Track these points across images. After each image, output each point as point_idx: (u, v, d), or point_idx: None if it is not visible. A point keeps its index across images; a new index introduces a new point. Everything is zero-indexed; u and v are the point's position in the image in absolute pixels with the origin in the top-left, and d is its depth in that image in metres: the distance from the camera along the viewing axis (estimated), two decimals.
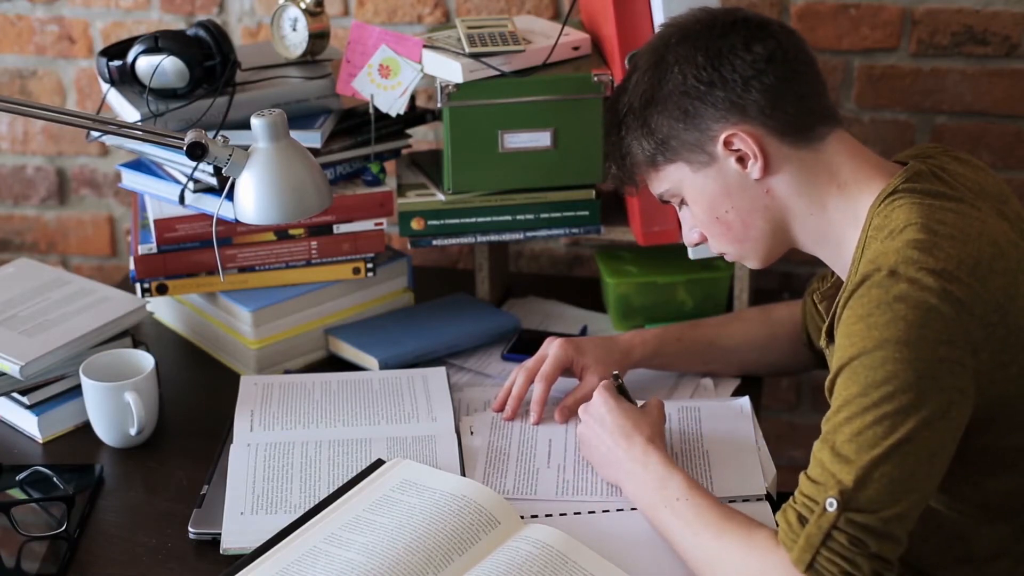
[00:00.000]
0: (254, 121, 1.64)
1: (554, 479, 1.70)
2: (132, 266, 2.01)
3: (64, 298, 1.96)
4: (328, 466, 1.72)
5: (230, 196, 1.68)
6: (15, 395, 1.85)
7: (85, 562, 1.61)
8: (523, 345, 2.02)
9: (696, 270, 2.06)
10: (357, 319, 2.08)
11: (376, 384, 1.91)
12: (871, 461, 1.37)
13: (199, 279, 2.02)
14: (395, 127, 2.06)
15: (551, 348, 1.84)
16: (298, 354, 2.04)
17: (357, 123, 2.04)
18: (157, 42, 1.92)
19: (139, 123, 1.91)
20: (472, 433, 1.79)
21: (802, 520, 1.40)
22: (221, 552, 1.59)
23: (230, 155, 1.64)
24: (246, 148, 1.66)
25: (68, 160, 2.61)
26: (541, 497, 1.66)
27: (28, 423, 1.85)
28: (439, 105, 1.92)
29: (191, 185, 1.93)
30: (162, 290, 2.01)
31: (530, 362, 1.85)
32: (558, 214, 2.01)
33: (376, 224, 2.04)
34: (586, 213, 2.01)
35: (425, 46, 1.93)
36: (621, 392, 1.73)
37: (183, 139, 1.62)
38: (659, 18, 1.84)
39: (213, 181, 1.92)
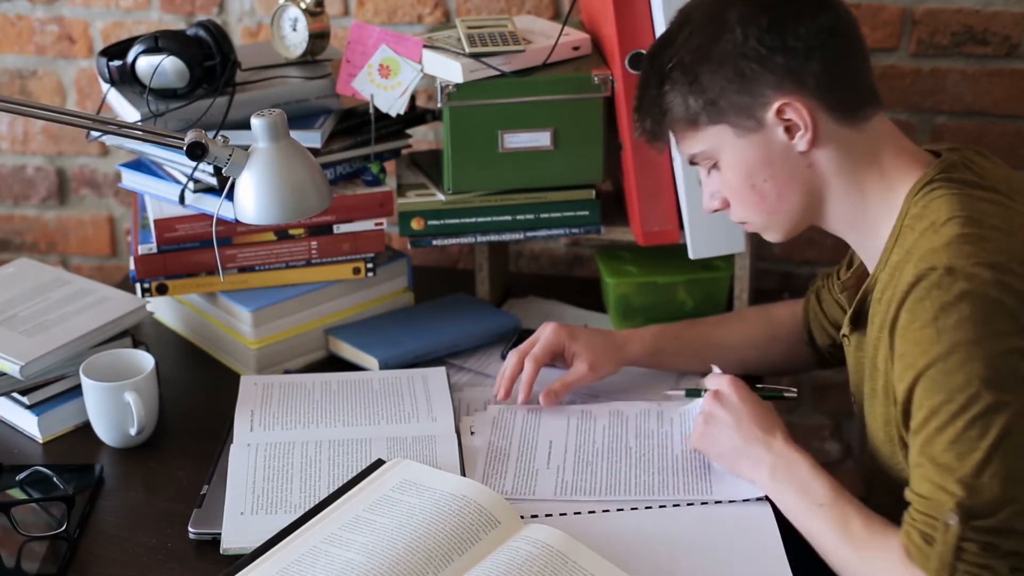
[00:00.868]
0: (254, 121, 1.64)
1: (553, 480, 1.70)
2: (132, 266, 2.01)
3: (64, 298, 1.96)
4: (328, 466, 1.72)
5: (230, 196, 1.68)
6: (15, 395, 1.85)
7: (85, 562, 1.61)
8: None
9: (696, 270, 2.06)
10: (357, 319, 2.08)
11: (376, 384, 1.91)
12: (975, 467, 1.39)
13: (199, 279, 2.02)
14: (395, 127, 2.06)
15: (544, 332, 1.85)
16: (298, 354, 2.04)
17: (357, 123, 2.04)
18: (157, 42, 1.92)
19: (139, 123, 1.91)
20: (472, 433, 1.79)
21: (927, 539, 1.42)
22: (221, 552, 1.59)
23: (230, 155, 1.64)
24: (246, 148, 1.66)
25: (68, 160, 2.61)
26: (540, 497, 1.66)
27: (28, 423, 1.85)
28: (439, 105, 1.92)
29: (191, 185, 1.93)
30: (162, 290, 2.01)
31: (523, 345, 1.86)
32: (558, 214, 2.01)
33: (376, 224, 2.04)
34: (586, 213, 2.01)
35: (425, 46, 1.94)
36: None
37: (183, 139, 1.62)
38: (659, 18, 1.84)
39: (213, 181, 1.92)
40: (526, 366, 1.83)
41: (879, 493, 1.65)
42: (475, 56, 1.89)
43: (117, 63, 1.94)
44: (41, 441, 1.85)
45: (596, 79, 1.91)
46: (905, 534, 1.45)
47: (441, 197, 2.00)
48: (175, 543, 1.63)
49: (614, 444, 1.76)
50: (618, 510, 1.64)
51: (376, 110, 1.99)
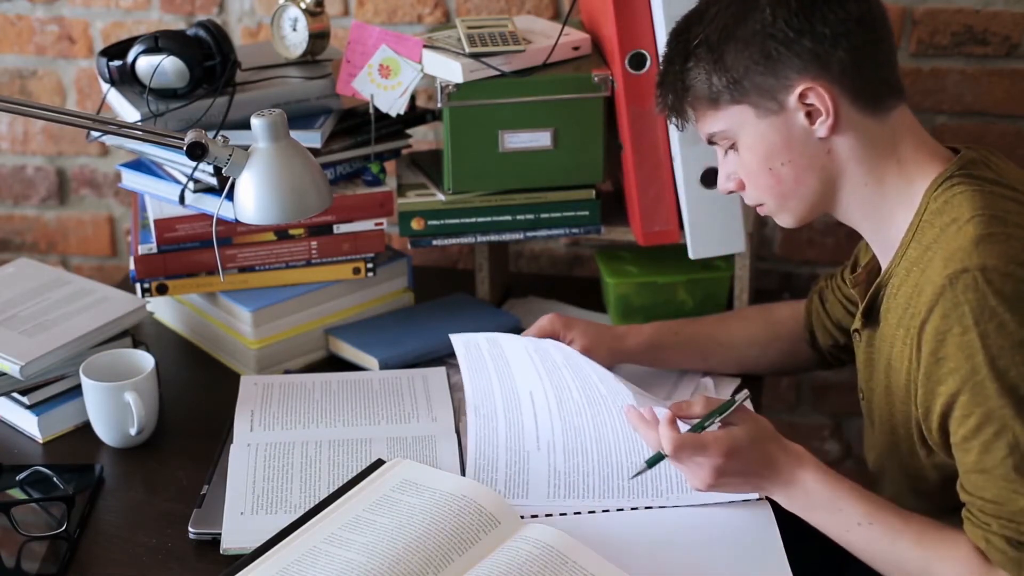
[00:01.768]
0: (254, 121, 1.64)
1: (545, 477, 1.69)
2: (132, 266, 2.01)
3: (64, 298, 1.96)
4: (328, 466, 1.72)
5: (230, 196, 1.68)
6: (15, 395, 1.85)
7: (85, 562, 1.61)
8: None
9: (696, 270, 2.06)
10: (357, 319, 2.08)
11: (376, 384, 1.91)
12: None
13: (199, 279, 2.02)
14: (395, 127, 2.06)
15: (540, 320, 1.86)
16: (298, 354, 2.04)
17: (357, 123, 2.04)
18: (157, 42, 1.92)
19: (139, 123, 1.91)
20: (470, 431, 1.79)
21: (1013, 543, 1.42)
22: (221, 552, 1.59)
23: (230, 155, 1.64)
24: (246, 148, 1.66)
25: (68, 160, 2.61)
26: (533, 502, 1.66)
27: (28, 423, 1.85)
28: (439, 105, 1.92)
29: (191, 185, 1.93)
30: (162, 290, 2.01)
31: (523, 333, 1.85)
32: (558, 214, 2.01)
33: (376, 224, 2.04)
34: (586, 213, 2.01)
35: (425, 46, 1.94)
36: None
37: (183, 139, 1.62)
38: (659, 18, 1.84)
39: (213, 181, 1.92)
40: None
41: (885, 488, 1.65)
42: (475, 56, 1.89)
43: (117, 63, 1.94)
44: (41, 441, 1.85)
45: (596, 79, 1.91)
46: (984, 540, 1.45)
47: (441, 197, 2.00)
48: (175, 543, 1.63)
49: (602, 447, 1.73)
50: (618, 510, 1.64)
51: (376, 110, 1.99)
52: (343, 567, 1.48)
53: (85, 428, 1.85)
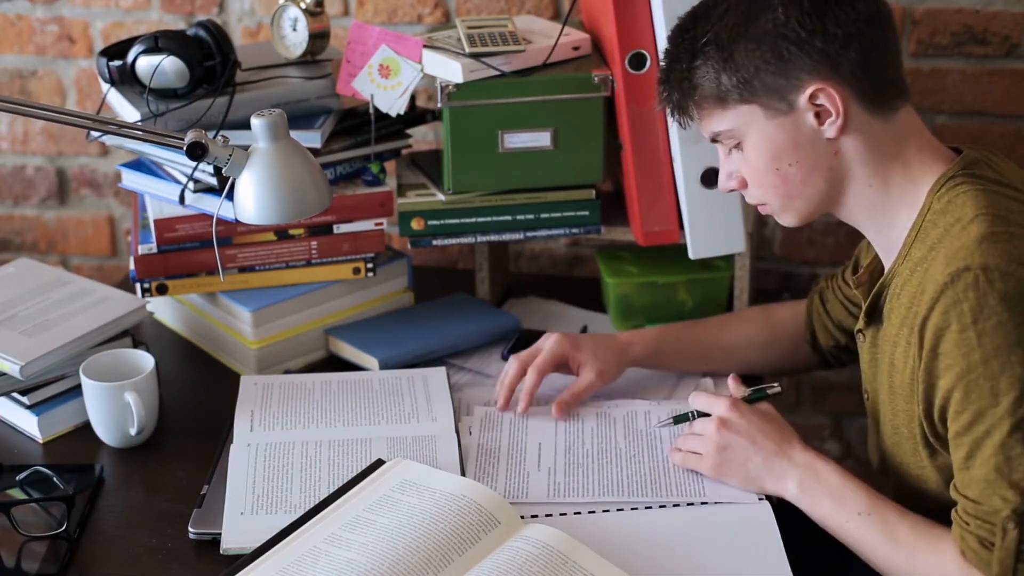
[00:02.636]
0: (254, 121, 1.64)
1: (545, 481, 1.69)
2: (132, 266, 2.01)
3: (64, 298, 1.96)
4: (328, 466, 1.72)
5: (230, 196, 1.68)
6: (15, 395, 1.85)
7: (85, 562, 1.61)
8: (523, 345, 2.00)
9: (696, 270, 2.06)
10: (357, 319, 2.08)
11: (376, 384, 1.91)
12: None
13: (199, 279, 2.02)
14: (395, 127, 2.06)
15: (547, 342, 1.85)
16: (298, 354, 2.03)
17: (357, 123, 2.04)
18: (157, 42, 1.92)
19: (139, 123, 1.91)
20: (471, 434, 1.79)
21: (985, 544, 1.43)
22: (221, 552, 1.59)
23: (230, 155, 1.64)
24: (246, 148, 1.66)
25: (68, 160, 2.61)
26: (533, 500, 1.66)
27: (28, 423, 1.85)
28: (439, 105, 1.92)
29: (191, 185, 1.93)
30: (162, 290, 2.01)
31: (524, 353, 1.85)
32: (558, 214, 2.00)
33: (376, 224, 2.04)
34: (586, 213, 2.01)
35: (425, 46, 1.93)
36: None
37: (183, 139, 1.62)
38: (659, 18, 1.84)
39: (213, 181, 1.92)
40: (529, 375, 1.82)
41: (889, 488, 1.65)
42: (475, 56, 1.89)
43: (117, 63, 1.94)
44: (41, 441, 1.85)
45: (596, 79, 1.91)
46: (960, 538, 1.46)
47: (441, 197, 2.00)
48: (175, 543, 1.63)
49: (603, 446, 1.75)
50: (618, 510, 1.64)
51: (376, 110, 1.99)
52: (343, 567, 1.48)
53: (85, 428, 1.85)
